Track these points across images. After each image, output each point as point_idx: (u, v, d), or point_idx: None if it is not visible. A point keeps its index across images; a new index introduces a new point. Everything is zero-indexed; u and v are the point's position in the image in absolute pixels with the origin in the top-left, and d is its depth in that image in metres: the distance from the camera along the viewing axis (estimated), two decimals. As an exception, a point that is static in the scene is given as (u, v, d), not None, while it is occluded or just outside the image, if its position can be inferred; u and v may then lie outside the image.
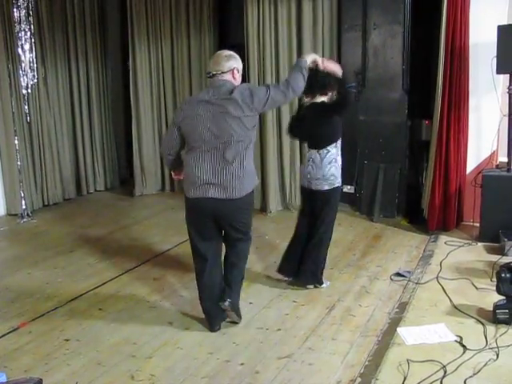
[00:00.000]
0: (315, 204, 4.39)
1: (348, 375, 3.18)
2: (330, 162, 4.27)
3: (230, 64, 3.56)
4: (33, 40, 6.86)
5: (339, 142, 4.38)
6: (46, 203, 7.25)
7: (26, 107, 6.85)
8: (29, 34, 6.81)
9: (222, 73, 3.53)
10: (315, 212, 4.39)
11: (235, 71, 3.58)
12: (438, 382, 3.03)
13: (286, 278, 4.55)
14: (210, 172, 3.52)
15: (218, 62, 3.57)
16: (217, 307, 3.74)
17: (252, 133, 3.59)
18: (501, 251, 4.97)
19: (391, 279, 4.58)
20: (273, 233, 5.91)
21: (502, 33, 5.09)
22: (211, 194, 3.52)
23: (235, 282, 3.83)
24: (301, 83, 3.65)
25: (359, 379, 3.13)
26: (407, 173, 6.38)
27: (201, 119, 3.50)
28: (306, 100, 4.34)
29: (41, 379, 2.78)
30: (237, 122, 3.46)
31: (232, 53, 3.64)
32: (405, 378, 3.07)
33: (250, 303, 4.20)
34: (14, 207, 6.78)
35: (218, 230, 3.75)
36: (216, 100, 3.48)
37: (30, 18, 6.79)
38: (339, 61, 6.58)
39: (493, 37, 5.15)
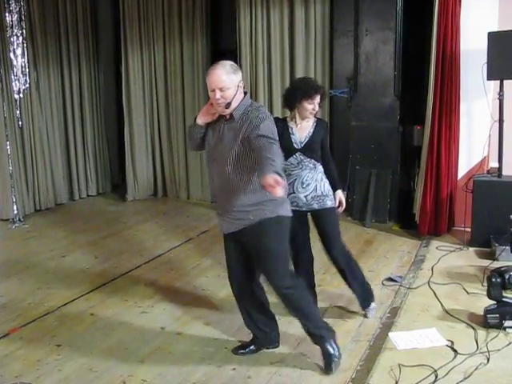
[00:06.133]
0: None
1: (340, 380, 3.19)
2: None
3: None
4: (25, 45, 6.84)
5: None
6: (38, 208, 7.22)
7: (18, 112, 6.82)
8: (21, 38, 6.79)
9: None
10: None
11: None
12: (430, 386, 3.04)
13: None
14: None
15: None
16: None
17: None
18: (492, 256, 4.99)
19: (383, 284, 4.59)
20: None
21: (492, 40, 5.14)
22: None
23: None
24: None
25: (351, 384, 3.14)
26: (399, 178, 6.42)
27: None
28: None
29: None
30: None
31: None
32: (396, 383, 3.08)
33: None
34: (6, 212, 6.74)
35: None
36: None
37: (23, 23, 6.78)
38: (331, 66, 6.64)
39: (483, 43, 5.20)
